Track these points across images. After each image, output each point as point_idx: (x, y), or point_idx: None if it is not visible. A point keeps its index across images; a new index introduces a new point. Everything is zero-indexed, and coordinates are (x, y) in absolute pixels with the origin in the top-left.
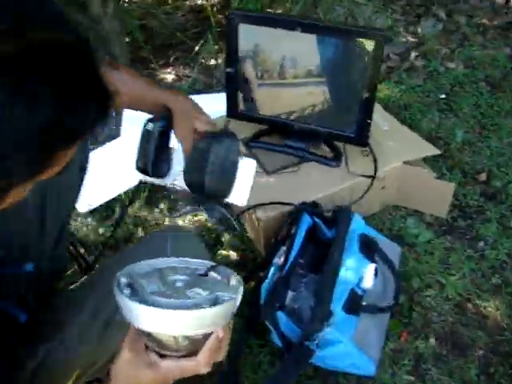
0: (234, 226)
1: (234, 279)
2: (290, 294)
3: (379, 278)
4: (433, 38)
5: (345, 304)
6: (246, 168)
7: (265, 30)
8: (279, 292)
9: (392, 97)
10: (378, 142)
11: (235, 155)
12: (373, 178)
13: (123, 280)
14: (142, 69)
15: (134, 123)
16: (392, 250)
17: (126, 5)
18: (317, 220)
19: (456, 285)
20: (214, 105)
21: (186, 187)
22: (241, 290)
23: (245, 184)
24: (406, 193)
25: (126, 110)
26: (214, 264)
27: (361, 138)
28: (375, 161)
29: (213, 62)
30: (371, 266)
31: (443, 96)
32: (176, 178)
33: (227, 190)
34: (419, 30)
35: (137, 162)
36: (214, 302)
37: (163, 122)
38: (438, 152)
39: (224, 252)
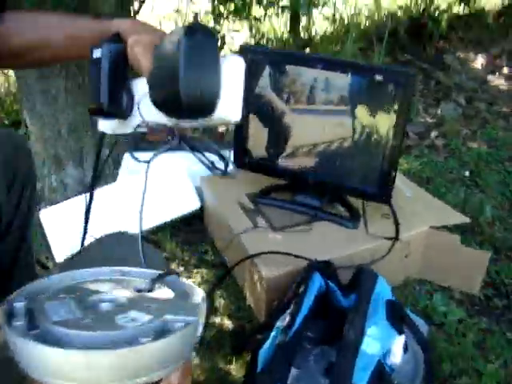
0: (228, 167)
1: (195, 295)
2: (294, 371)
3: (409, 354)
4: (453, 120)
5: (370, 381)
6: (233, 68)
7: (283, 68)
8: (280, 365)
9: (413, 170)
10: (400, 207)
11: (213, 50)
12: (394, 239)
13: (18, 304)
14: None
15: (132, 172)
16: (419, 326)
17: None
18: (330, 284)
19: (495, 375)
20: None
21: (156, 120)
22: (204, 309)
23: (234, 90)
24: (433, 263)
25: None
26: (161, 272)
27: (384, 193)
28: (396, 221)
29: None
30: (400, 339)
31: (467, 173)
32: (142, 119)
33: (213, 95)
34: (439, 111)
35: (89, 102)
36: (161, 333)
37: (113, 44)
38: (467, 220)
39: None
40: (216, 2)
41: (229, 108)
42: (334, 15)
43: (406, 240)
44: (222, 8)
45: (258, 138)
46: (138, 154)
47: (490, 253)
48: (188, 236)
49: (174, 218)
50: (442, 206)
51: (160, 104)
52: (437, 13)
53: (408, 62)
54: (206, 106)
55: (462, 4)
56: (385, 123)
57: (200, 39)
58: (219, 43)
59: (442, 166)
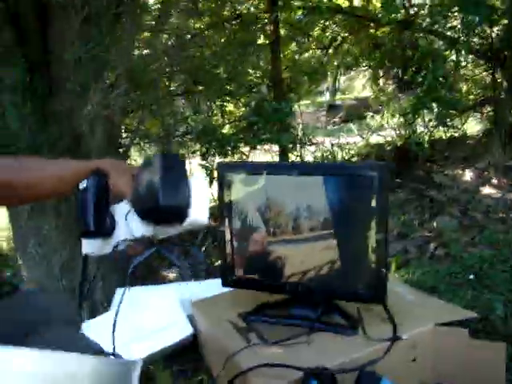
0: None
1: None
2: None
3: None
4: (450, 231)
5: None
6: (198, 183)
7: (259, 179)
8: None
9: (415, 280)
10: (402, 310)
11: (182, 169)
12: (393, 339)
13: None
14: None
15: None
16: None
17: None
18: None
19: None
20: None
21: (137, 233)
22: None
23: (201, 198)
24: (445, 365)
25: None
26: None
27: (377, 293)
28: (393, 320)
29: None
30: None
31: (472, 277)
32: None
33: (185, 204)
34: (435, 224)
35: (77, 227)
36: None
37: (97, 177)
38: (474, 315)
39: None
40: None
41: (198, 213)
42: (322, 155)
43: (409, 340)
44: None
45: (241, 258)
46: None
47: (505, 344)
48: (182, 366)
49: (167, 345)
50: (446, 305)
51: (144, 215)
52: (419, 138)
53: (398, 184)
54: (180, 212)
55: (443, 128)
56: (366, 220)
57: (172, 163)
58: None
59: (446, 272)
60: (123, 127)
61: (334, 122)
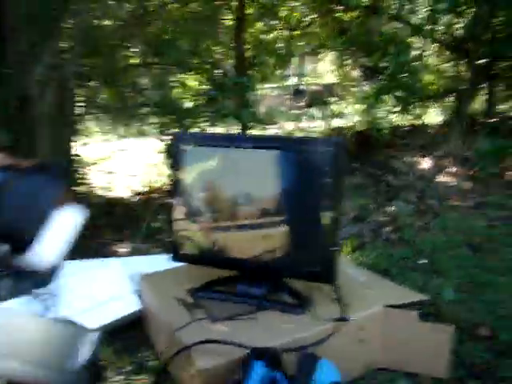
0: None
1: None
2: None
3: None
4: (405, 216)
5: None
6: (66, 217)
7: (213, 151)
8: None
9: (368, 262)
10: (352, 291)
11: (48, 194)
12: (340, 319)
13: None
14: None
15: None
16: None
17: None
18: (277, 374)
19: None
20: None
21: None
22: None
23: (58, 236)
24: (392, 347)
25: None
26: None
27: (326, 272)
28: (341, 300)
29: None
30: None
31: (425, 261)
32: None
33: (28, 230)
34: (392, 209)
35: None
36: None
37: None
38: (424, 298)
39: None
40: None
41: (44, 250)
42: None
43: (357, 321)
44: None
45: (190, 232)
46: None
47: (453, 326)
48: (127, 342)
49: (113, 319)
50: (397, 288)
51: None
52: (380, 124)
53: (356, 168)
54: (19, 237)
55: (404, 115)
56: (319, 197)
57: (36, 180)
58: None
59: (399, 256)
60: (77, 96)
61: (298, 106)
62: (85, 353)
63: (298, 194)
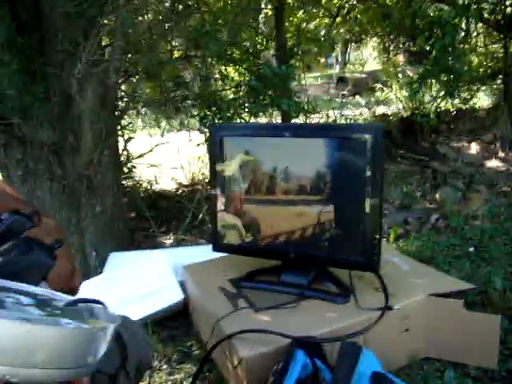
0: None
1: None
2: None
3: None
4: (452, 203)
5: None
6: None
7: (251, 141)
8: None
9: (413, 251)
10: (396, 280)
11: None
12: (384, 308)
13: None
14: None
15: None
16: None
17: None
18: (318, 362)
19: None
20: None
21: None
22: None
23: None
24: (438, 336)
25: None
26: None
27: (369, 261)
28: (386, 289)
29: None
30: None
31: (472, 249)
32: None
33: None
34: (437, 196)
35: None
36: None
37: None
38: (471, 286)
39: None
40: None
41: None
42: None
43: (402, 311)
44: None
45: (229, 222)
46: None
47: (500, 316)
48: (172, 331)
49: (157, 310)
50: (442, 276)
51: None
52: (426, 109)
53: (402, 155)
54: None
55: (451, 100)
56: (360, 185)
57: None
58: None
59: (445, 244)
60: (120, 91)
61: (342, 94)
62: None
63: (339, 181)
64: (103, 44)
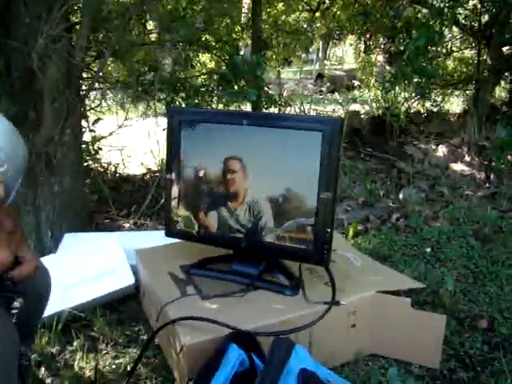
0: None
1: None
2: None
3: None
4: (415, 204)
5: None
6: None
7: (208, 128)
8: None
9: (371, 248)
10: (347, 276)
11: None
12: (331, 303)
13: None
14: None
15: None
16: None
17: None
18: (254, 356)
19: None
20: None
21: None
22: None
23: None
24: (384, 333)
25: None
26: None
27: (319, 254)
28: (333, 284)
29: None
30: None
31: (428, 250)
32: None
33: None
34: (400, 196)
35: None
36: None
37: None
38: (421, 286)
39: None
40: None
41: None
42: None
43: (349, 306)
44: None
45: (187, 202)
46: None
47: (445, 316)
48: (121, 315)
49: (108, 292)
50: (394, 274)
51: None
52: (397, 109)
53: (369, 154)
54: None
55: (422, 101)
56: (313, 178)
57: None
58: None
59: (402, 243)
60: (88, 71)
61: (320, 91)
62: None
63: (292, 173)
64: (73, 21)
